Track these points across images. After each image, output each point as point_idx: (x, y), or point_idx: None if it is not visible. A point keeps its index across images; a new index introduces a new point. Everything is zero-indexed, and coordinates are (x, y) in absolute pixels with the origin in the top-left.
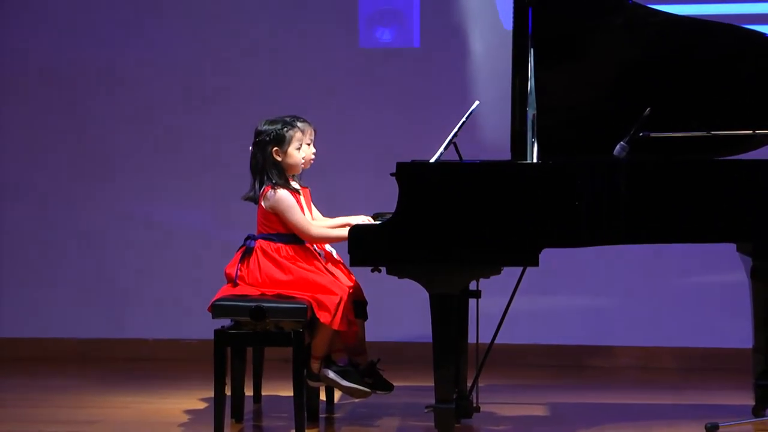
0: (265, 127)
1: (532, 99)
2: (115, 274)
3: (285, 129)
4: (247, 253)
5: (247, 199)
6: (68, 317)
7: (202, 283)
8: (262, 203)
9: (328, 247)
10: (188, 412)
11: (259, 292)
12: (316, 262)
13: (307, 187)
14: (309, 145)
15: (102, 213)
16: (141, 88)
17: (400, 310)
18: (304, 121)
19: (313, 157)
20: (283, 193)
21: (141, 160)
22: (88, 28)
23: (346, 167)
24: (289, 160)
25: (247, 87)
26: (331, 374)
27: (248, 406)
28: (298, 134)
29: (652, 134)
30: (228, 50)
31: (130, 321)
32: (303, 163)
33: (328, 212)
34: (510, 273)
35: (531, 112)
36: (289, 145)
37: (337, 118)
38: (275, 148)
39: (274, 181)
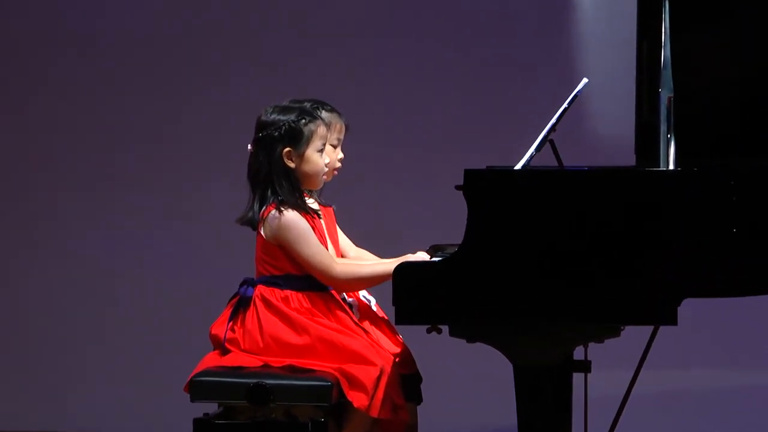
0: (274, 117)
1: (666, 76)
2: (51, 340)
3: (303, 121)
4: (242, 304)
5: (243, 222)
6: None
7: (175, 349)
8: (262, 230)
9: (363, 295)
10: None
11: (261, 362)
12: (344, 318)
13: (330, 206)
14: (335, 147)
15: (31, 250)
16: (93, 65)
17: (471, 388)
18: (331, 110)
19: (338, 164)
20: (292, 216)
21: (80, 169)
22: None
23: (387, 177)
24: (307, 168)
25: (244, 55)
26: None
27: None
28: (322, 129)
29: None
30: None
31: (73, 406)
32: (326, 173)
33: (364, 245)
34: (634, 335)
35: (665, 94)
36: (308, 144)
37: (376, 105)
38: (287, 149)
39: (281, 198)
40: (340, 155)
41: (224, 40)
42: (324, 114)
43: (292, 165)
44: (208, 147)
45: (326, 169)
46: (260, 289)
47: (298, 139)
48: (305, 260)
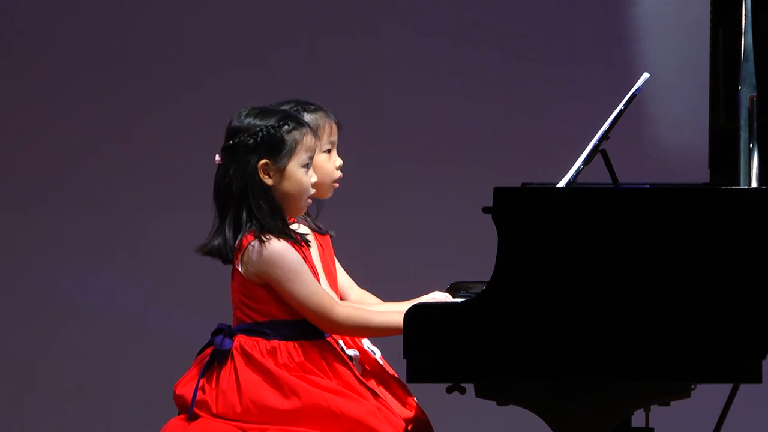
0: (249, 122)
1: (749, 70)
2: None
3: (285, 127)
4: (216, 358)
5: (208, 252)
6: None
7: (130, 413)
8: (240, 266)
9: (367, 345)
10: None
11: (239, 431)
12: (345, 374)
13: (327, 233)
14: (330, 152)
15: None
16: (36, 57)
17: None
18: (315, 110)
19: (339, 174)
20: (279, 248)
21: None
22: None
23: (398, 199)
24: (288, 186)
25: (224, 61)
26: None
27: None
28: (309, 139)
29: None
30: None
31: None
32: (314, 192)
33: (368, 283)
34: (708, 395)
35: (746, 93)
36: (290, 157)
37: (386, 111)
38: (264, 161)
39: (261, 225)
40: (339, 161)
41: (211, 42)
42: (307, 117)
43: (269, 182)
44: (165, 166)
45: (312, 191)
46: (240, 340)
47: (278, 150)
48: (299, 303)
